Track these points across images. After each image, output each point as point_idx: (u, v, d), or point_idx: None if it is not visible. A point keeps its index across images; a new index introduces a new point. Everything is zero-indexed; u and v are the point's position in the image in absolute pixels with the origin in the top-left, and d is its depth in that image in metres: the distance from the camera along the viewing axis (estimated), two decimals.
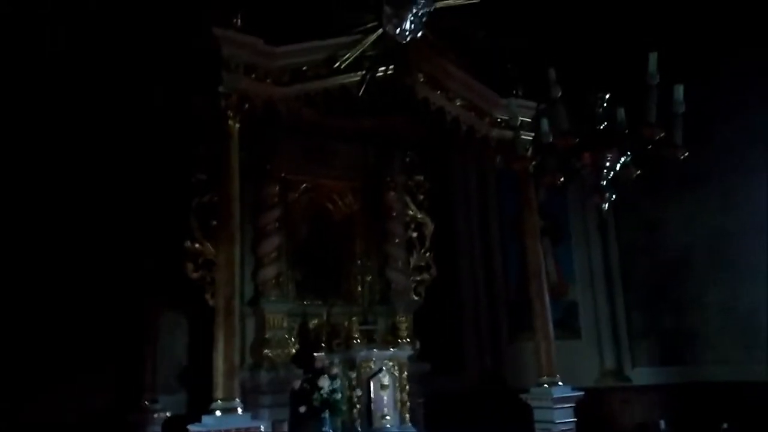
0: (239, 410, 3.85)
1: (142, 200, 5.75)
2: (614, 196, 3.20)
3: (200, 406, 3.94)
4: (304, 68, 4.69)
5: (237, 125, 4.40)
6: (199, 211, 5.36)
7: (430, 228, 6.62)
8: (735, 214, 6.52)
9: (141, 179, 5.77)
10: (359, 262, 6.10)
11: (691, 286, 6.74)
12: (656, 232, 7.06)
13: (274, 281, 5.48)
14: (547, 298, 5.42)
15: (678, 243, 6.88)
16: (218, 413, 3.79)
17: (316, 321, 5.66)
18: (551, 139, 3.16)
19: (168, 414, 5.43)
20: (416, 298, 6.29)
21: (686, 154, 3.13)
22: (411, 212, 6.56)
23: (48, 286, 5.52)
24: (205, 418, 3.80)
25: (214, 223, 4.95)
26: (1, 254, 5.33)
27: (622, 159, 3.13)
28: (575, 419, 5.11)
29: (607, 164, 3.11)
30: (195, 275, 5.21)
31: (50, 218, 5.57)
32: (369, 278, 6.06)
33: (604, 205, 3.19)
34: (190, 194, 5.44)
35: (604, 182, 3.15)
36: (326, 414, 4.47)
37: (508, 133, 5.37)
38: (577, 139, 3.06)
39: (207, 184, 5.33)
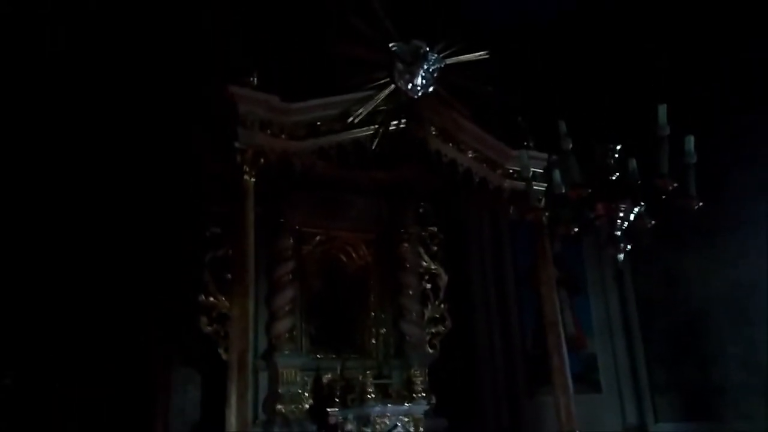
0: None
1: (156, 255, 5.79)
2: (629, 247, 3.18)
3: None
4: (319, 123, 4.79)
5: (252, 180, 4.48)
6: (213, 265, 5.39)
7: (444, 279, 6.59)
8: (751, 265, 6.44)
9: (156, 234, 5.82)
10: (373, 314, 6.06)
11: (712, 340, 6.59)
12: (674, 283, 6.96)
13: (287, 335, 5.44)
14: (565, 351, 5.33)
15: (696, 295, 6.76)
16: None
17: (329, 375, 5.58)
18: (563, 190, 3.17)
19: None
20: (431, 350, 6.20)
21: (701, 204, 3.13)
22: (425, 263, 6.54)
23: (61, 343, 5.51)
24: None
25: (229, 276, 4.94)
26: (7, 311, 5.35)
27: (636, 209, 3.13)
28: None
29: (621, 215, 3.10)
30: (209, 329, 5.20)
31: (60, 273, 5.60)
32: (383, 331, 6.00)
33: (619, 256, 3.17)
34: (205, 248, 5.48)
35: (619, 233, 3.14)
36: None
37: (521, 184, 5.39)
38: (590, 190, 3.07)
39: (221, 238, 5.37)
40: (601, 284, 7.27)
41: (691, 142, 3.19)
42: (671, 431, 6.57)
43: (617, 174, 3.22)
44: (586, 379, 6.95)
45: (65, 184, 5.70)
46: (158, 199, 5.84)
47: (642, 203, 3.12)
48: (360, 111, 4.83)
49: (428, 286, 6.46)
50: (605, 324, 7.17)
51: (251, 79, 4.55)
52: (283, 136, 4.63)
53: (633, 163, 3.26)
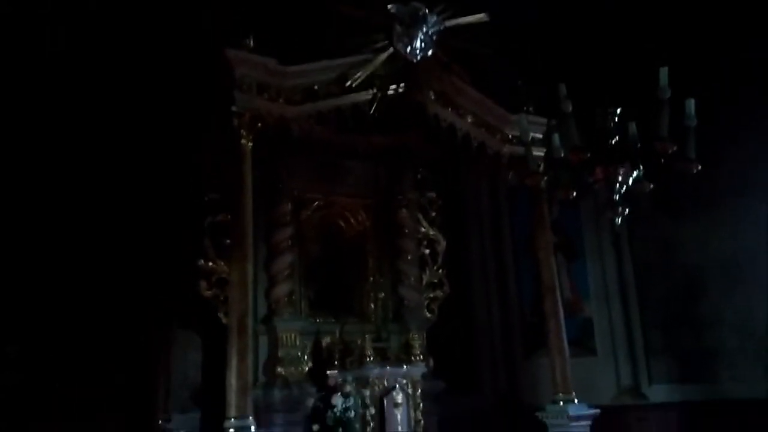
0: (252, 428, 3.84)
1: (155, 220, 5.80)
2: (627, 211, 3.19)
3: (213, 425, 3.94)
4: (316, 87, 4.74)
5: (250, 144, 4.45)
6: (212, 230, 5.40)
7: (442, 245, 6.60)
8: (749, 233, 6.49)
9: (155, 199, 5.82)
10: (372, 279, 6.09)
11: (707, 304, 6.68)
12: (671, 249, 7.01)
13: (286, 299, 5.48)
14: (561, 315, 5.38)
15: (693, 261, 6.83)
16: (231, 431, 3.78)
17: (328, 339, 5.64)
18: (563, 154, 3.16)
19: None
20: (429, 315, 6.25)
21: (699, 167, 3.12)
22: (423, 229, 6.55)
23: (60, 308, 5.56)
24: None
25: (228, 241, 4.96)
26: (10, 278, 5.38)
27: (635, 173, 3.12)
28: None
29: (620, 179, 3.09)
30: (208, 294, 5.23)
31: (63, 239, 5.62)
32: (381, 295, 6.05)
33: (617, 220, 3.18)
34: (203, 213, 5.48)
35: (617, 197, 3.14)
36: None
37: (520, 149, 5.37)
38: (589, 154, 3.06)
39: (220, 204, 5.37)
40: (599, 250, 7.31)
41: (691, 105, 3.16)
42: (665, 393, 6.70)
43: (617, 138, 3.19)
44: (582, 342, 7.05)
45: (65, 150, 5.67)
46: (157, 165, 5.82)
47: (641, 167, 3.11)
48: (358, 75, 4.78)
49: (426, 251, 6.48)
50: (602, 289, 7.24)
51: (247, 41, 4.48)
52: (280, 100, 4.59)
53: (633, 127, 3.24)
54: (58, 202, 5.64)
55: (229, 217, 4.78)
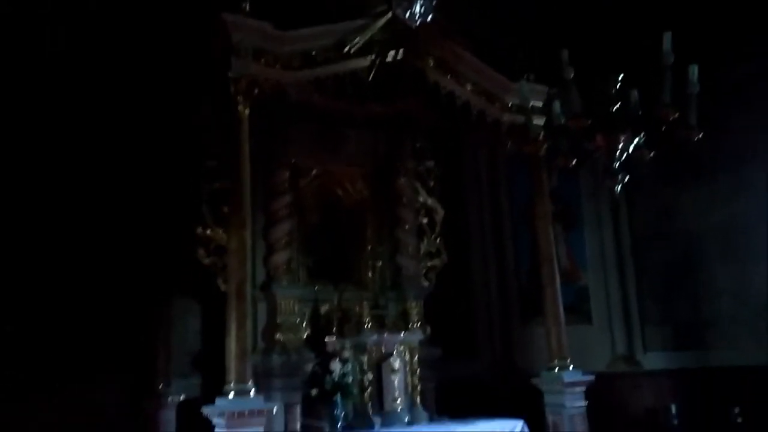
0: (252, 393, 3.89)
1: (152, 187, 5.78)
2: (627, 179, 3.18)
3: (214, 390, 3.99)
4: (314, 53, 4.68)
5: (247, 111, 4.42)
6: (210, 198, 5.38)
7: (440, 214, 6.60)
8: (747, 202, 6.51)
9: (151, 166, 5.79)
10: (370, 248, 6.10)
11: (704, 273, 6.73)
12: (669, 218, 7.04)
13: (285, 267, 5.50)
14: (558, 283, 5.42)
15: (691, 230, 6.87)
16: (231, 396, 3.83)
17: (327, 306, 5.68)
18: (563, 121, 3.14)
19: (182, 397, 5.49)
20: (427, 283, 6.29)
21: (701, 135, 3.10)
22: (421, 198, 6.54)
23: (58, 275, 5.57)
24: (219, 401, 3.84)
25: (225, 209, 4.96)
26: (10, 242, 5.39)
27: (636, 141, 3.10)
28: (586, 403, 5.12)
29: (620, 146, 3.08)
30: (207, 261, 5.24)
31: (61, 206, 5.60)
32: (379, 264, 6.07)
33: (616, 188, 3.17)
34: (201, 181, 5.46)
35: (617, 164, 3.12)
36: (338, 397, 4.50)
37: (519, 118, 5.34)
38: (590, 121, 3.03)
39: (217, 171, 5.34)
40: (597, 219, 7.33)
41: (695, 71, 3.13)
42: (659, 360, 6.80)
43: (618, 105, 3.16)
44: (578, 310, 7.11)
45: (63, 115, 5.62)
46: (155, 132, 5.77)
47: (642, 135, 3.09)
48: (356, 40, 4.72)
49: (424, 220, 6.49)
50: (599, 258, 7.28)
51: (244, 5, 4.40)
52: (277, 66, 4.54)
53: (634, 94, 3.21)
54: (55, 170, 5.61)
55: (227, 184, 4.77)
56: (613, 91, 3.23)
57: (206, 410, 3.87)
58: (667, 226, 6.96)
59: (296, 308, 5.42)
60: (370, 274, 6.03)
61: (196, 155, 5.57)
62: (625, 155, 3.11)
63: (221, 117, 4.83)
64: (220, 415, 3.75)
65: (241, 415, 3.76)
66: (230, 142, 4.42)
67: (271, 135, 5.63)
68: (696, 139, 3.10)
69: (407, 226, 6.18)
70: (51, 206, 5.56)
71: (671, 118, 2.99)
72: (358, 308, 5.53)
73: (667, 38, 3.08)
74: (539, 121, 5.07)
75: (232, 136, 4.39)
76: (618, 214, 7.19)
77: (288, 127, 5.81)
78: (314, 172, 6.00)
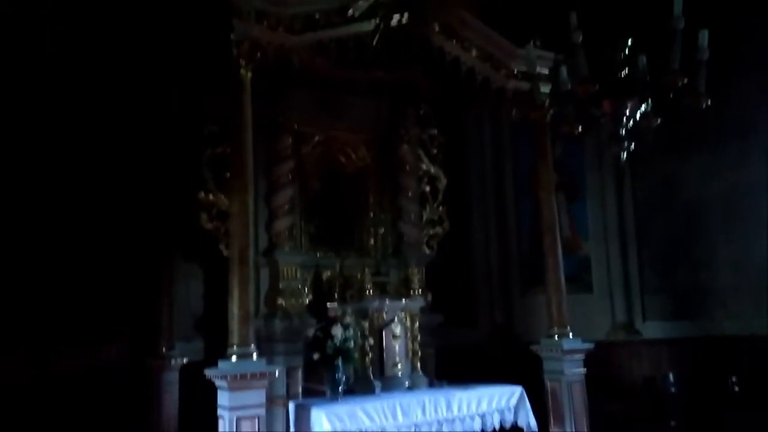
0: (254, 356, 3.93)
1: (155, 152, 5.75)
2: (633, 146, 3.14)
3: (217, 353, 4.03)
4: (317, 16, 4.59)
5: (249, 74, 4.36)
6: (211, 163, 5.37)
7: (443, 182, 6.58)
8: (750, 171, 6.50)
9: (153, 131, 5.75)
10: (372, 215, 6.11)
11: (705, 242, 6.75)
12: (672, 188, 7.02)
13: (287, 233, 5.51)
14: (560, 253, 5.42)
15: (693, 199, 6.86)
16: (234, 359, 3.87)
17: (329, 273, 5.71)
18: (570, 87, 3.09)
19: (185, 360, 5.56)
20: (428, 251, 6.30)
21: (709, 102, 3.05)
22: (424, 166, 6.51)
23: (63, 239, 5.59)
24: (221, 363, 3.89)
25: (227, 174, 4.95)
26: (17, 205, 5.39)
27: (643, 107, 3.06)
28: (584, 370, 5.17)
29: (627, 113, 3.03)
30: (209, 226, 5.26)
31: (66, 171, 5.59)
32: (381, 231, 6.08)
33: (622, 154, 3.14)
34: (203, 145, 5.43)
35: (623, 131, 3.09)
36: (339, 361, 4.55)
37: (525, 85, 5.28)
38: (597, 86, 2.98)
39: (219, 135, 5.32)
40: (600, 188, 7.32)
41: (705, 36, 3.07)
42: (658, 329, 6.86)
43: (626, 70, 3.11)
44: (579, 280, 7.15)
45: (66, 85, 5.57)
46: (156, 96, 5.72)
47: (649, 101, 3.04)
48: (360, 3, 4.62)
49: (427, 188, 6.48)
50: (601, 228, 7.29)
51: None
52: (280, 29, 4.45)
53: (643, 60, 3.15)
54: (61, 133, 5.58)
55: (229, 149, 4.74)
56: (622, 56, 3.17)
57: (209, 372, 3.92)
58: (670, 196, 6.95)
59: (298, 274, 5.44)
60: (371, 241, 6.05)
61: (197, 120, 5.53)
62: (631, 122, 3.07)
63: (223, 81, 4.76)
64: (223, 377, 3.80)
65: (243, 377, 3.81)
66: (232, 106, 4.37)
67: (274, 100, 5.58)
68: (704, 106, 3.05)
69: (410, 194, 6.17)
70: (55, 170, 5.55)
71: (680, 84, 2.95)
72: (359, 275, 5.56)
73: (677, 2, 3.01)
74: (545, 88, 5.03)
75: (234, 100, 4.34)
76: (621, 184, 7.18)
77: (290, 92, 5.75)
78: (317, 138, 5.96)
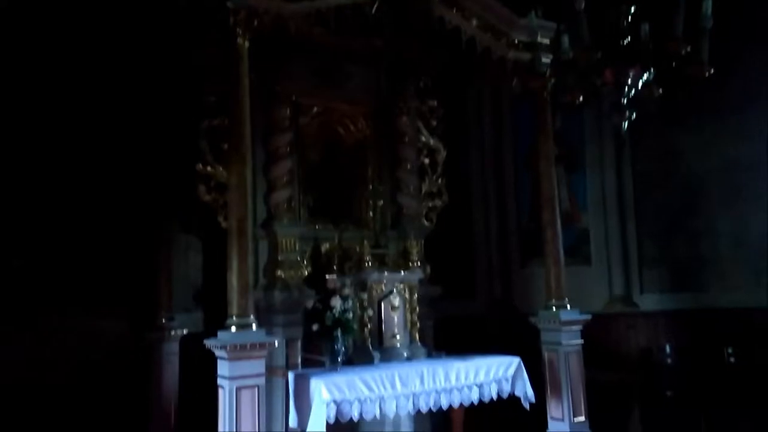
0: (254, 326, 3.95)
1: (151, 123, 5.71)
2: (634, 116, 3.11)
3: (216, 324, 4.04)
4: None
5: (246, 44, 4.29)
6: (209, 134, 5.31)
7: (442, 154, 6.54)
8: (750, 144, 6.49)
9: (150, 102, 5.70)
10: (371, 187, 6.07)
11: (704, 215, 6.75)
12: (672, 160, 7.00)
13: (286, 205, 5.48)
14: (559, 225, 5.43)
15: (692, 172, 6.85)
16: (233, 329, 3.89)
17: (327, 245, 5.70)
18: (571, 55, 3.04)
19: (185, 331, 5.60)
20: (427, 223, 6.29)
21: (711, 71, 3.01)
22: (423, 138, 6.46)
23: (62, 212, 5.58)
24: (221, 334, 3.91)
25: (225, 146, 4.91)
26: (16, 180, 5.37)
27: (645, 76, 3.02)
28: (581, 341, 5.22)
29: (629, 82, 2.99)
30: (207, 198, 5.23)
31: (63, 145, 5.56)
32: (380, 203, 6.05)
33: (623, 124, 3.11)
34: (200, 117, 5.38)
35: (625, 100, 3.05)
36: (338, 332, 4.57)
37: (526, 55, 5.22)
38: (599, 54, 2.94)
39: (216, 106, 5.26)
40: (600, 161, 7.30)
41: (708, 4, 3.01)
42: (655, 301, 6.90)
43: (628, 38, 3.06)
44: (577, 252, 7.17)
45: (65, 57, 5.50)
46: (153, 68, 5.65)
47: (651, 70, 3.00)
48: None
49: (426, 160, 6.43)
50: (600, 200, 7.29)
51: None
52: None
53: (646, 28, 3.10)
54: (59, 107, 5.53)
55: (226, 120, 4.69)
56: (624, 24, 3.12)
57: (209, 343, 3.94)
58: (670, 168, 6.93)
59: (297, 246, 5.43)
60: (370, 214, 6.03)
61: (194, 91, 5.46)
62: (633, 91, 3.03)
63: (220, 50, 4.70)
64: (223, 347, 3.82)
65: (243, 347, 3.83)
66: (229, 76, 4.31)
67: (271, 71, 5.51)
68: (707, 75, 3.01)
69: (409, 166, 6.13)
70: (53, 143, 5.52)
71: (683, 52, 2.90)
72: (358, 247, 5.56)
73: None
74: (546, 58, 4.97)
75: (232, 70, 4.28)
76: (621, 156, 7.15)
77: (288, 63, 5.67)
78: (315, 109, 5.89)
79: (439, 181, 6.48)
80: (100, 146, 5.70)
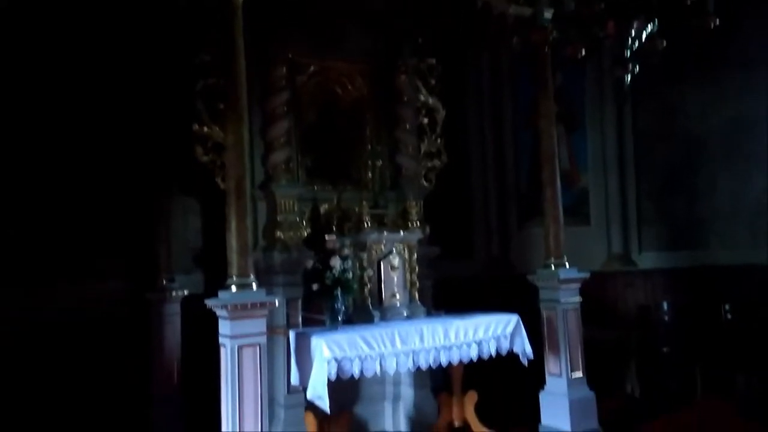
0: (254, 286, 3.96)
1: (147, 83, 5.63)
2: (637, 69, 3.05)
3: (216, 285, 4.05)
4: None
5: (241, 0, 4.19)
6: (204, 94, 5.23)
7: (441, 114, 6.46)
8: (752, 102, 6.42)
9: (144, 61, 5.61)
10: (369, 147, 6.02)
11: (704, 173, 6.73)
12: (673, 118, 6.94)
13: (284, 166, 5.44)
14: (558, 183, 5.41)
15: (694, 130, 6.80)
16: (233, 289, 3.90)
17: (326, 206, 5.68)
18: (573, 7, 2.97)
19: (186, 292, 5.64)
20: (426, 184, 6.26)
21: (717, 22, 2.94)
22: (422, 97, 6.37)
23: (61, 175, 5.56)
24: (221, 294, 3.92)
25: (221, 106, 4.85)
26: (15, 144, 5.34)
27: (649, 28, 2.95)
28: (580, 299, 5.25)
29: (632, 34, 2.92)
30: (204, 159, 5.17)
31: (58, 106, 5.50)
32: (379, 164, 6.01)
33: (626, 78, 3.05)
34: (195, 76, 5.29)
35: (628, 53, 2.99)
36: (338, 292, 4.59)
37: (527, 10, 5.11)
38: (603, 4, 2.86)
39: (211, 66, 5.17)
40: (600, 119, 7.23)
41: None
42: (653, 260, 6.93)
43: None
44: (577, 212, 7.18)
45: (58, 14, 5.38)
46: (146, 26, 5.54)
47: (655, 21, 2.93)
48: None
49: (425, 120, 6.36)
50: (600, 159, 7.25)
51: None
52: None
53: None
54: (51, 70, 5.45)
55: (222, 80, 4.61)
56: None
57: (209, 303, 3.96)
58: (671, 126, 6.88)
59: (296, 207, 5.41)
60: (369, 174, 5.99)
61: (189, 50, 5.36)
62: (636, 44, 2.96)
63: (215, 9, 4.59)
64: (224, 306, 3.83)
65: (243, 306, 3.84)
66: (224, 34, 4.22)
67: (267, 29, 5.40)
68: (713, 26, 2.94)
69: (407, 126, 6.07)
70: (50, 105, 5.46)
71: (687, 2, 2.83)
72: (357, 208, 5.53)
73: None
74: (548, 13, 4.86)
75: (226, 28, 4.19)
76: (622, 113, 7.08)
77: (284, 19, 5.55)
78: (312, 68, 5.80)
79: (438, 141, 6.42)
80: (96, 109, 5.64)
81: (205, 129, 5.19)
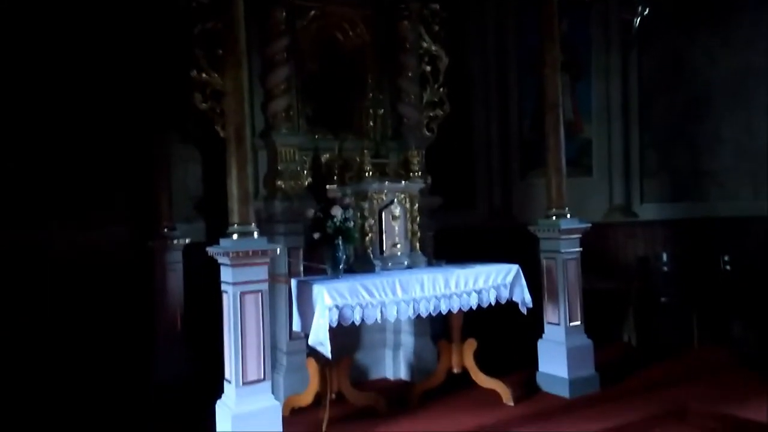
0: (255, 234, 3.97)
1: (144, 28, 5.50)
2: (647, 11, 2.96)
3: (218, 234, 4.06)
4: None
5: None
6: (202, 39, 5.11)
7: (444, 62, 6.32)
8: (759, 51, 6.27)
9: (141, 5, 5.47)
10: (371, 95, 5.92)
11: (708, 124, 6.65)
12: (678, 67, 6.81)
13: (284, 114, 5.37)
14: (562, 133, 5.34)
15: (699, 80, 6.69)
16: (235, 237, 3.90)
17: (327, 155, 5.64)
18: None
19: (187, 240, 5.66)
20: (428, 133, 6.19)
21: None
22: (425, 44, 6.22)
23: (61, 123, 5.50)
24: (223, 241, 3.93)
25: (220, 52, 4.75)
26: (12, 90, 5.26)
27: None
28: (580, 249, 5.27)
29: None
30: (204, 106, 5.10)
31: (57, 50, 5.40)
32: (381, 113, 5.93)
33: (635, 20, 2.96)
34: (192, 21, 5.16)
35: None
36: (339, 240, 4.59)
37: None
38: None
39: (208, 9, 5.02)
40: (605, 68, 7.10)
41: None
42: (655, 211, 6.93)
43: None
44: (579, 163, 7.13)
45: None
46: None
47: None
48: None
49: (428, 68, 6.23)
50: (604, 109, 7.16)
51: None
52: None
53: None
54: (51, 19, 5.32)
55: (220, 24, 4.50)
56: None
57: (211, 250, 3.97)
58: (676, 76, 6.76)
59: (296, 156, 5.37)
60: (371, 123, 5.92)
61: None
62: None
63: None
64: (225, 253, 3.85)
65: (245, 254, 3.86)
66: None
67: None
68: None
69: (410, 74, 5.95)
70: (48, 52, 5.36)
71: None
72: (358, 157, 5.49)
73: None
74: None
75: None
76: (627, 62, 6.93)
77: None
78: (312, 13, 5.64)
79: (441, 89, 6.31)
80: (94, 56, 5.54)
81: (204, 75, 5.09)
